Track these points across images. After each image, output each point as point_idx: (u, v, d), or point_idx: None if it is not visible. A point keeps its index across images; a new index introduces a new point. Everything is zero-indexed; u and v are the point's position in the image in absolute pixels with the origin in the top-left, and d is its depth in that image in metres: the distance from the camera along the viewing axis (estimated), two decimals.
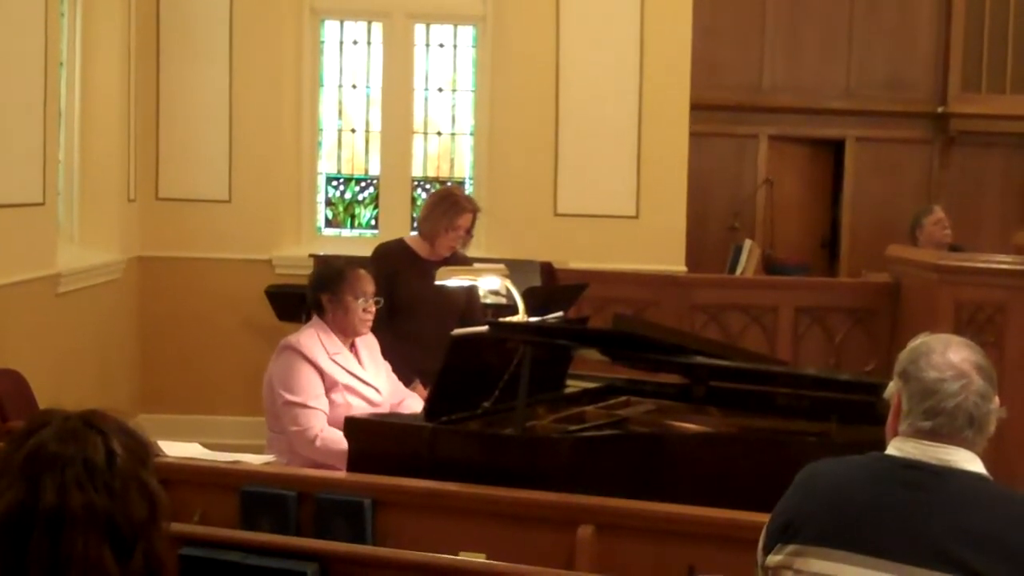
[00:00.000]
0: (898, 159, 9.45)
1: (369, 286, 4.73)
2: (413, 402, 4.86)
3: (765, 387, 4.34)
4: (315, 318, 4.74)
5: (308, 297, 4.79)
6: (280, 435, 4.62)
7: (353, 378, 4.67)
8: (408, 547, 3.42)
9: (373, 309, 4.74)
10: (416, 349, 5.05)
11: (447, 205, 5.43)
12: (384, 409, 4.71)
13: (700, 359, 4.28)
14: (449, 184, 6.04)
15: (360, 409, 4.61)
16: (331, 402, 4.58)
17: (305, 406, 4.50)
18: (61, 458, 1.72)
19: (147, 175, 7.86)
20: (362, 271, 4.79)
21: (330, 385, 4.59)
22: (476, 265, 5.37)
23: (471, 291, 5.30)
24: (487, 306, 5.44)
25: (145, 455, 1.80)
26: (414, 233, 5.68)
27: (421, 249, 5.43)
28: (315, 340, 4.64)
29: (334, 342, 4.67)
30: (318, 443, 4.44)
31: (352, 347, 4.76)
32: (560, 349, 4.49)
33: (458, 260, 5.44)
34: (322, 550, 3.15)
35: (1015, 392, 5.44)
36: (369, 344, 4.85)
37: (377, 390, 4.75)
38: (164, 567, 1.78)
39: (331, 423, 4.48)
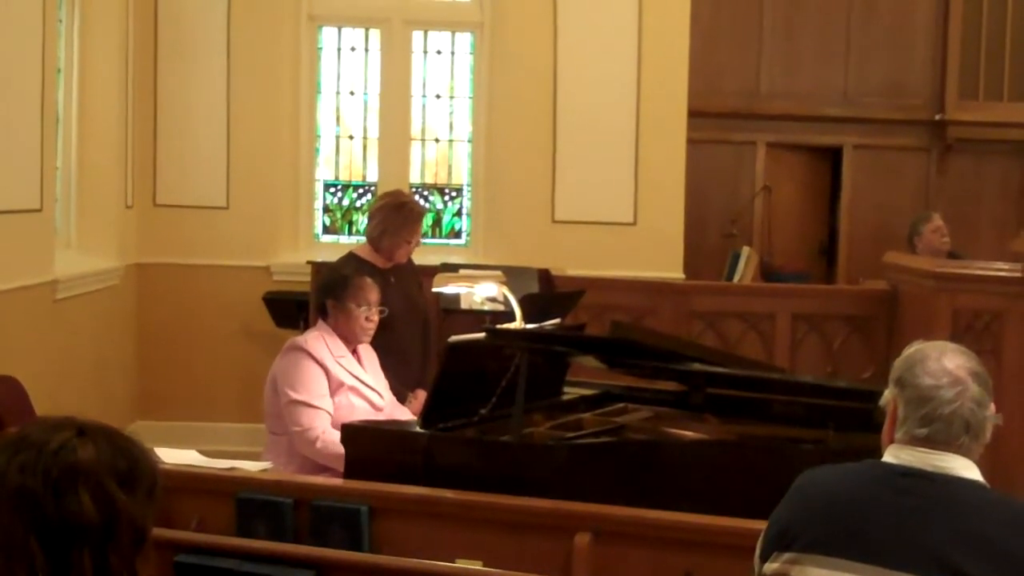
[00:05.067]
0: (896, 166, 9.45)
1: (373, 294, 4.77)
2: (403, 417, 4.87)
3: (762, 394, 4.34)
4: (320, 322, 4.80)
5: (314, 301, 4.84)
6: (281, 437, 4.63)
7: (357, 381, 4.71)
8: (404, 554, 3.42)
9: (376, 318, 4.77)
10: (398, 362, 5.04)
11: (404, 215, 5.44)
12: (385, 416, 4.72)
13: (697, 366, 4.28)
14: (396, 191, 6.00)
15: (364, 411, 4.64)
16: (336, 404, 4.60)
17: (308, 405, 4.53)
18: (26, 441, 1.74)
19: (145, 181, 7.86)
20: (368, 279, 4.82)
21: (335, 386, 4.63)
22: (473, 272, 5.38)
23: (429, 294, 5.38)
24: (483, 312, 5.43)
25: (128, 474, 1.76)
26: (360, 242, 5.65)
27: (375, 260, 5.42)
28: (321, 342, 4.68)
29: (339, 345, 4.72)
30: (319, 444, 4.46)
31: (354, 353, 4.80)
32: (557, 356, 4.49)
33: (410, 264, 5.55)
34: (318, 557, 3.15)
35: (1013, 400, 5.45)
36: (370, 354, 4.88)
37: (380, 395, 4.77)
38: None
39: (335, 424, 4.48)
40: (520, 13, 7.96)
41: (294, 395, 4.54)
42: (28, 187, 6.08)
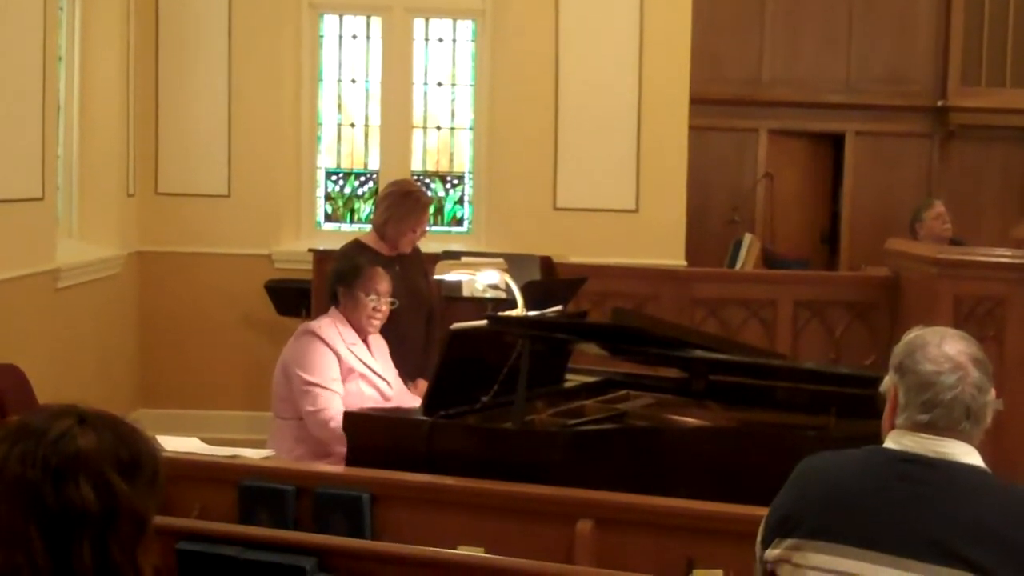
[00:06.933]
0: (898, 153, 9.44)
1: (383, 285, 4.77)
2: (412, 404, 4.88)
3: (764, 381, 4.34)
4: (332, 308, 4.82)
5: (327, 287, 4.89)
6: (288, 422, 4.65)
7: (368, 369, 4.73)
8: (407, 541, 3.42)
9: (383, 309, 4.77)
10: (399, 351, 5.05)
11: (410, 204, 5.43)
12: (394, 405, 4.73)
13: (699, 353, 4.28)
14: (403, 180, 6.02)
15: (373, 399, 4.67)
16: (345, 390, 4.62)
17: (322, 387, 4.56)
18: (26, 429, 1.73)
19: (146, 170, 7.86)
20: (380, 270, 4.82)
21: (346, 372, 4.65)
22: (475, 259, 5.38)
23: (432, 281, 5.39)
24: (485, 300, 5.44)
25: (130, 463, 1.75)
26: (363, 229, 5.64)
27: (381, 248, 5.42)
28: (333, 328, 4.71)
29: (350, 332, 4.75)
30: (332, 424, 4.46)
31: (365, 341, 4.81)
32: (559, 343, 4.49)
33: (416, 253, 5.54)
34: (320, 544, 3.15)
35: (1015, 386, 5.45)
36: (380, 344, 4.90)
37: (389, 384, 4.78)
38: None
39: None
40: (522, 1, 7.94)
41: (308, 377, 4.57)
42: (30, 175, 6.08)
